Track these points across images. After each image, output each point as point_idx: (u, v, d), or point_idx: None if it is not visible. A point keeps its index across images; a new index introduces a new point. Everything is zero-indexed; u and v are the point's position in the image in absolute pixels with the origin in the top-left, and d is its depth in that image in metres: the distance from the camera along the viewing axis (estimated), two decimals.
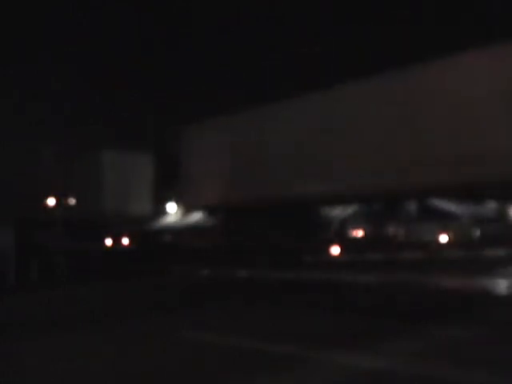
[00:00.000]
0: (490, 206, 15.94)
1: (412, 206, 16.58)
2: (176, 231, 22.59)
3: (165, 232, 23.21)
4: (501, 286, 11.87)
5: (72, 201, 21.69)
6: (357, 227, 17.66)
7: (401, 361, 6.42)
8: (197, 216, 20.54)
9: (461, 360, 6.32)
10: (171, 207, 23.72)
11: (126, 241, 22.35)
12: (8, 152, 24.01)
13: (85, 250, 21.04)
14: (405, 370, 6.10)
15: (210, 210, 19.43)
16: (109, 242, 22.44)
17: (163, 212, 23.65)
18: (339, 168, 14.68)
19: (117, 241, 22.32)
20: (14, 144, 24.84)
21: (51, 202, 21.66)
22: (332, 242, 16.37)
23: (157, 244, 22.38)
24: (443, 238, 16.17)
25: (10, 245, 16.91)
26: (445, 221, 16.11)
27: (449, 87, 12.63)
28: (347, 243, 16.84)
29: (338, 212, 17.28)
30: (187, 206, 20.77)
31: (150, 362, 6.90)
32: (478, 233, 16.11)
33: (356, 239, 17.71)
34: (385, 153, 13.65)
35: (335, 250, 16.19)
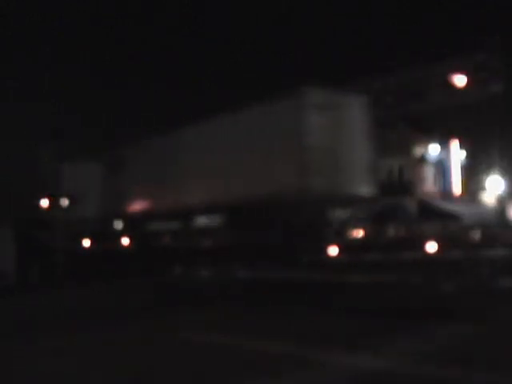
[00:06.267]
0: (490, 207, 15.94)
1: (413, 207, 16.55)
2: None
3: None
4: (501, 285, 11.86)
5: (65, 201, 19.93)
6: (357, 227, 17.64)
7: (401, 361, 6.42)
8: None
9: (461, 360, 6.32)
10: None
11: (125, 241, 22.22)
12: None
13: (85, 250, 20.90)
14: (405, 369, 6.10)
15: None
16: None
17: None
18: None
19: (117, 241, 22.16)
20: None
21: (44, 203, 20.76)
22: (331, 242, 16.35)
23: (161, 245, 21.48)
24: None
25: (9, 245, 16.92)
26: (445, 221, 16.09)
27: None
28: (347, 243, 16.82)
29: (338, 212, 17.26)
30: None
31: (150, 361, 6.90)
32: (478, 233, 16.10)
33: (356, 239, 17.68)
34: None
35: (334, 251, 16.17)
